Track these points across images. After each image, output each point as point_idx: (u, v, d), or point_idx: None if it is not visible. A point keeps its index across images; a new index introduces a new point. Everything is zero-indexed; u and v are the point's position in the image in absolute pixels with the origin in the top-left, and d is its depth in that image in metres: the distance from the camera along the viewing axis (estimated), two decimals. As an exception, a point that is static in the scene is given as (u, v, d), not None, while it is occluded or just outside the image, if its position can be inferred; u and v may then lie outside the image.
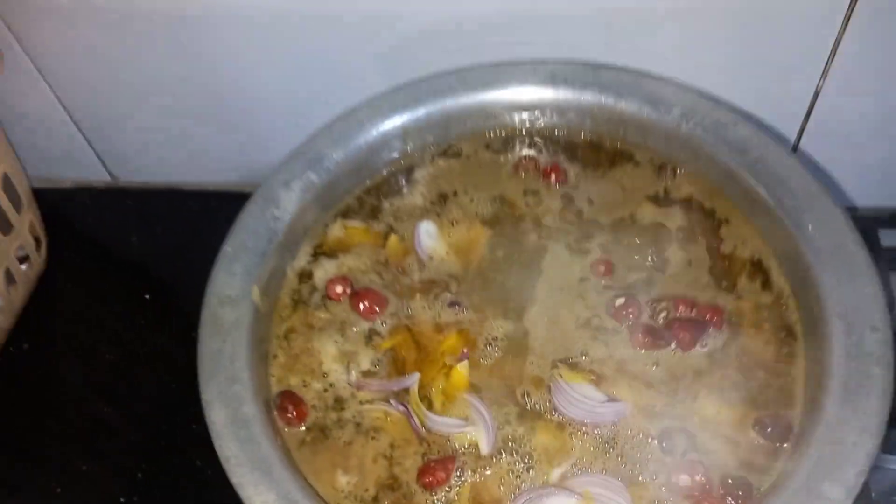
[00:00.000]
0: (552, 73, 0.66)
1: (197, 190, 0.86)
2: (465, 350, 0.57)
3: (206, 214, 0.81)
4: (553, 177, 0.66)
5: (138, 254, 0.82)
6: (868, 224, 0.70)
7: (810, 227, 0.56)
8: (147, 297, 0.78)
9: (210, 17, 0.69)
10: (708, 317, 0.57)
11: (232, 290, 0.56)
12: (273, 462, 0.48)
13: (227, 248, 0.57)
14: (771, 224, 0.59)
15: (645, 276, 0.60)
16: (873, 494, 0.59)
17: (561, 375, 0.55)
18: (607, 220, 0.63)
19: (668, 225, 0.62)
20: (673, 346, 0.56)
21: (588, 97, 0.66)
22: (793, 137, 0.72)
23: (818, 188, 0.57)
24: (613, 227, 0.63)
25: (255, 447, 0.48)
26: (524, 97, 0.67)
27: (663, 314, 0.58)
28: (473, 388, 0.56)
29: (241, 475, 0.46)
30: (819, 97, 0.67)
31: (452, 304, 0.60)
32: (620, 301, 0.58)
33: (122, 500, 0.66)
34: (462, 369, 0.56)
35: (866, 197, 0.77)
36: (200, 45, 0.71)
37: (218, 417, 0.49)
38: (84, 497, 0.67)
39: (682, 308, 0.58)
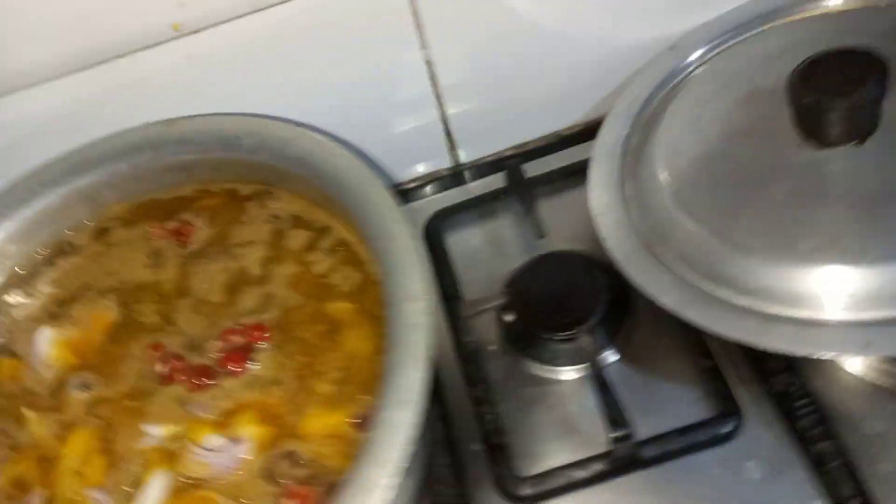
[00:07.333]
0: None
1: None
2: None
3: None
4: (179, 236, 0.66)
5: None
6: (514, 161, 0.75)
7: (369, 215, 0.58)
8: None
9: None
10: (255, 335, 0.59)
11: None
12: None
13: None
14: (350, 219, 0.61)
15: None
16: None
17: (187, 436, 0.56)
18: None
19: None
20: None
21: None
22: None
23: (363, 173, 0.60)
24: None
25: None
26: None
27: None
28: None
29: None
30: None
31: (83, 386, 0.59)
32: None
33: None
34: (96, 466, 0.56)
35: (507, 139, 0.80)
36: None
37: None
38: None
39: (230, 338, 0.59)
